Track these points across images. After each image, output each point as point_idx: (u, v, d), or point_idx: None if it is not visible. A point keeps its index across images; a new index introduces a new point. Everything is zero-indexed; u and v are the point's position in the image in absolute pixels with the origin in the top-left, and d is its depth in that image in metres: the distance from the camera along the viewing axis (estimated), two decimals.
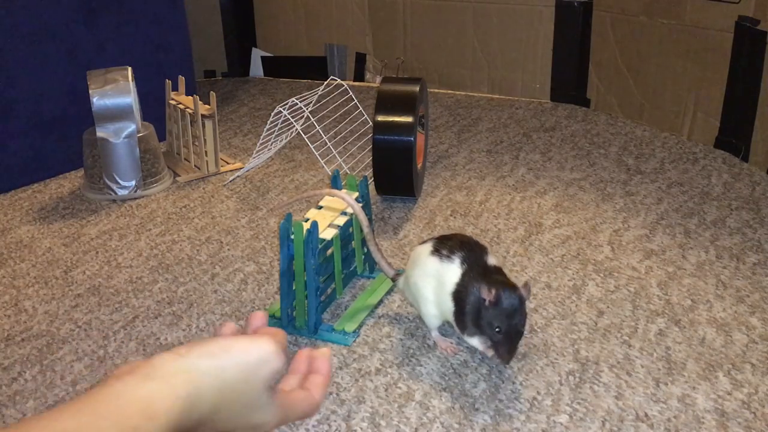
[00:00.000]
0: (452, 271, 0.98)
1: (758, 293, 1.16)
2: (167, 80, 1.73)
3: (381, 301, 1.16)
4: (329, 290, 1.15)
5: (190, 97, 1.65)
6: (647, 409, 0.92)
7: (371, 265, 1.23)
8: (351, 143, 1.74)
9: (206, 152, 1.64)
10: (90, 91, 1.50)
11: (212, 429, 0.48)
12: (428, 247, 1.03)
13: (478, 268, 0.97)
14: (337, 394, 0.96)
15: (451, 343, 1.04)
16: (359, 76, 2.32)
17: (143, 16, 1.76)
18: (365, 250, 1.21)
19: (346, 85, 1.72)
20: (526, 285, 0.94)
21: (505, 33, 2.07)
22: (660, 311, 1.12)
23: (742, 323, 1.09)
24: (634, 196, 1.50)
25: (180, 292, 1.20)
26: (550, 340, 1.05)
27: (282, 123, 1.67)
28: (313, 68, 2.36)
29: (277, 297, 1.17)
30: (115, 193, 1.54)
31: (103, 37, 1.69)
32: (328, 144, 1.62)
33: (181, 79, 1.72)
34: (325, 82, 1.68)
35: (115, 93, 1.51)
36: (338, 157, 1.65)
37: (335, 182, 1.20)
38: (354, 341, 1.06)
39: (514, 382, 0.97)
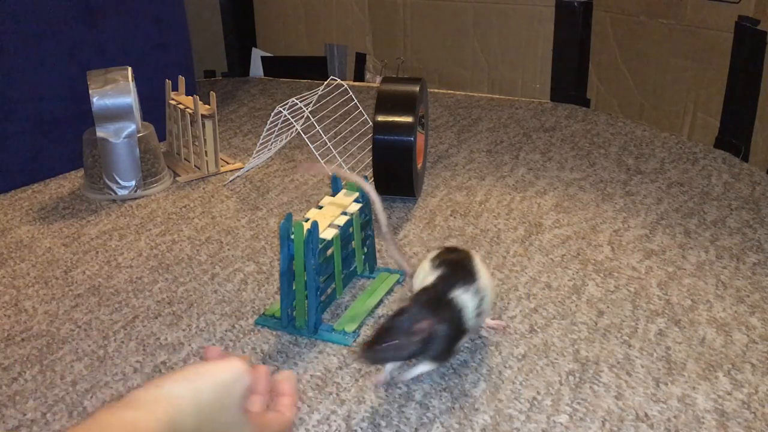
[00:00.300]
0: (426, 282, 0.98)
1: (758, 293, 1.16)
2: (167, 80, 1.73)
3: (381, 301, 1.16)
4: (329, 290, 1.15)
5: (190, 97, 1.65)
6: (647, 409, 0.92)
7: (371, 265, 1.23)
8: (351, 143, 1.74)
9: (206, 152, 1.64)
10: (90, 91, 1.50)
11: None
12: (434, 252, 1.03)
13: (435, 293, 0.94)
14: (337, 394, 0.96)
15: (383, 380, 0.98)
16: (359, 76, 2.32)
17: (143, 16, 1.76)
18: (365, 250, 1.21)
19: (346, 85, 1.72)
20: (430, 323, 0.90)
21: (505, 33, 2.07)
22: (660, 311, 1.12)
23: (742, 323, 1.09)
24: (634, 196, 1.50)
25: (180, 292, 1.20)
26: (550, 340, 1.05)
27: (282, 123, 1.67)
28: (313, 68, 2.36)
29: (277, 297, 1.17)
30: (115, 193, 1.54)
31: (103, 37, 1.69)
32: (328, 144, 1.62)
33: (181, 79, 1.72)
34: (325, 82, 1.68)
35: (115, 93, 1.51)
36: (338, 157, 1.65)
37: (335, 182, 1.20)
38: (354, 341, 1.06)
39: (514, 382, 0.97)
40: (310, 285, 1.05)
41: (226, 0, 2.32)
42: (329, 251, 1.11)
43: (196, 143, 1.65)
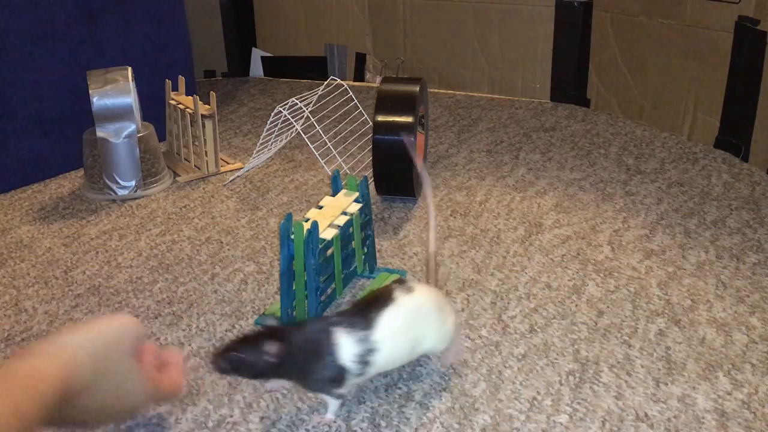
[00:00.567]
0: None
1: (758, 293, 1.16)
2: (167, 80, 1.73)
3: None
4: (329, 290, 1.15)
5: (190, 97, 1.65)
6: (647, 409, 0.92)
7: (371, 265, 1.23)
8: (351, 143, 1.74)
9: (206, 152, 1.64)
10: (90, 91, 1.50)
11: (98, 399, 0.62)
12: (387, 286, 0.97)
13: (321, 322, 0.91)
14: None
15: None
16: (359, 76, 2.32)
17: (143, 16, 1.76)
18: (365, 250, 1.21)
19: (346, 85, 1.72)
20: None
21: (505, 33, 2.07)
22: (660, 311, 1.12)
23: (742, 323, 1.09)
24: (634, 196, 1.50)
25: (180, 292, 1.20)
26: (550, 340, 1.05)
27: (282, 123, 1.67)
28: (313, 68, 2.36)
29: (277, 297, 1.17)
30: (115, 193, 1.54)
31: (103, 37, 1.69)
32: (328, 144, 1.62)
33: (181, 79, 1.72)
34: (325, 82, 1.68)
35: (115, 93, 1.51)
36: (338, 157, 1.65)
37: (335, 182, 1.20)
38: None
39: (514, 382, 0.97)
40: (310, 285, 1.05)
41: (226, 0, 2.32)
42: (329, 251, 1.11)
43: (196, 143, 1.65)
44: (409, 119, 1.41)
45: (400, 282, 0.96)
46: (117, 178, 1.54)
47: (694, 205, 1.46)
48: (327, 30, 2.31)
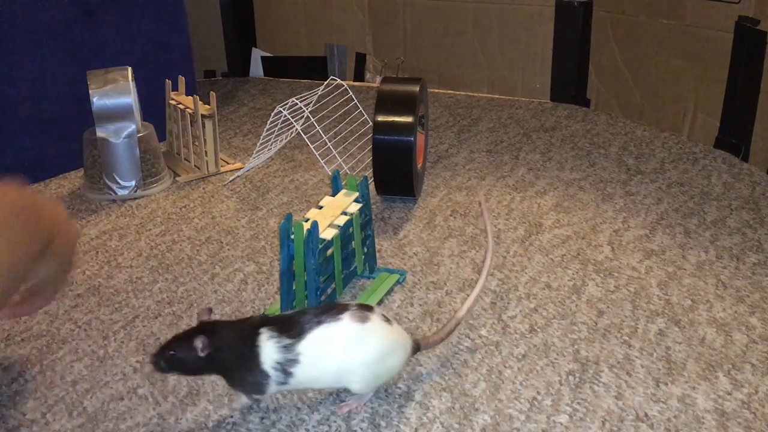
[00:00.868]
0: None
1: (758, 293, 1.16)
2: (167, 80, 1.73)
3: (381, 301, 1.16)
4: (329, 290, 1.15)
5: (190, 97, 1.65)
6: (647, 409, 0.92)
7: (371, 265, 1.23)
8: (351, 143, 1.74)
9: (206, 152, 1.64)
10: (90, 91, 1.50)
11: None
12: (346, 305, 0.91)
13: (254, 321, 0.90)
14: (337, 395, 0.96)
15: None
16: (359, 76, 2.32)
17: (143, 15, 1.76)
18: (365, 250, 1.21)
19: (346, 85, 1.72)
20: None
21: (505, 33, 2.07)
22: (660, 311, 1.12)
23: (742, 323, 1.09)
24: (634, 196, 1.50)
25: (180, 292, 1.20)
26: (550, 340, 1.05)
27: (282, 123, 1.67)
28: (313, 68, 2.36)
29: (277, 297, 1.17)
30: (115, 193, 1.54)
31: (103, 37, 1.69)
32: (328, 144, 1.62)
33: (181, 79, 1.72)
34: (325, 82, 1.68)
35: (115, 93, 1.51)
36: (338, 157, 1.65)
37: (335, 182, 1.20)
38: None
39: (514, 382, 0.97)
40: (310, 285, 1.05)
41: (226, 0, 2.32)
42: (329, 251, 1.11)
43: (196, 143, 1.65)
44: (409, 119, 1.41)
45: (366, 307, 0.90)
46: (117, 178, 1.54)
47: (694, 205, 1.46)
48: (327, 30, 2.31)
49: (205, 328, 0.87)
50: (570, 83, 2.04)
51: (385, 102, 1.43)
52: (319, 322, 0.87)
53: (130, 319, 1.13)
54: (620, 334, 1.06)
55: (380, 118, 1.42)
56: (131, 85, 1.52)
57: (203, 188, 1.60)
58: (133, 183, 1.55)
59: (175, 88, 1.73)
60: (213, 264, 1.28)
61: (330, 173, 1.60)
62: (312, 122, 1.65)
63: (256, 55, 2.41)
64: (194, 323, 1.11)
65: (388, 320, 0.90)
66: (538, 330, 1.08)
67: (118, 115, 1.51)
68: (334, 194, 1.19)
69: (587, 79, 2.01)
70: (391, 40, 2.23)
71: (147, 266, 1.28)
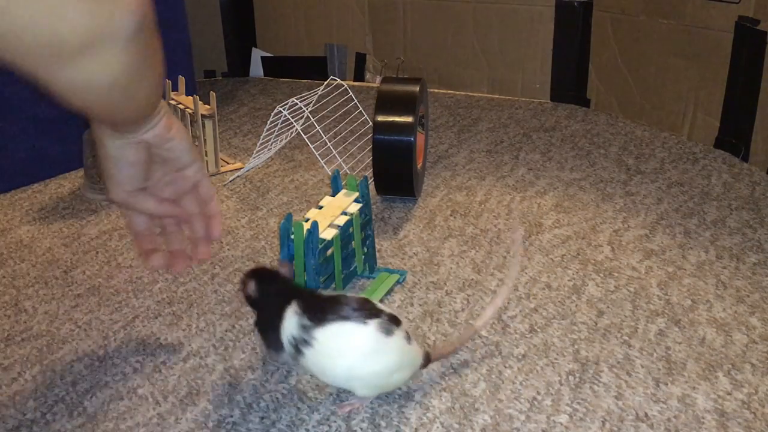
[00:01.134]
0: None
1: (758, 293, 1.16)
2: (167, 80, 1.73)
3: (381, 301, 1.16)
4: (329, 290, 1.15)
5: (190, 97, 1.65)
6: (647, 409, 0.92)
7: (371, 265, 1.23)
8: (351, 143, 1.74)
9: (206, 152, 1.64)
10: None
11: None
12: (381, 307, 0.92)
13: (297, 291, 0.95)
14: (337, 395, 0.96)
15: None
16: (359, 76, 2.32)
17: None
18: (365, 250, 1.21)
19: (346, 85, 1.72)
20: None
21: (505, 33, 2.07)
22: (660, 311, 1.12)
23: (742, 323, 1.09)
24: (634, 196, 1.50)
25: (180, 292, 1.20)
26: (550, 340, 1.06)
27: (282, 123, 1.67)
28: (313, 68, 2.36)
29: None
30: None
31: None
32: (328, 144, 1.62)
33: (181, 79, 1.72)
34: (325, 82, 1.68)
35: None
36: (338, 157, 1.65)
37: (335, 182, 1.20)
38: None
39: (514, 382, 0.97)
40: (310, 285, 1.05)
41: (226, 0, 2.32)
42: (329, 251, 1.11)
43: (196, 143, 1.65)
44: (409, 119, 1.41)
45: (394, 319, 0.89)
46: None
47: (694, 205, 1.46)
48: (327, 30, 2.31)
49: (265, 276, 0.95)
50: (570, 83, 2.04)
51: (385, 102, 1.43)
52: (345, 318, 0.87)
53: (130, 319, 1.13)
54: (620, 334, 1.06)
55: (380, 118, 1.42)
56: None
57: None
58: None
59: (175, 88, 1.73)
60: (213, 264, 1.28)
61: (330, 173, 1.60)
62: (312, 122, 1.65)
63: (256, 55, 2.41)
64: (194, 323, 1.12)
65: (409, 337, 0.91)
66: (538, 330, 1.08)
67: None
68: (334, 194, 1.19)
69: (587, 79, 2.02)
70: (391, 40, 2.23)
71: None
